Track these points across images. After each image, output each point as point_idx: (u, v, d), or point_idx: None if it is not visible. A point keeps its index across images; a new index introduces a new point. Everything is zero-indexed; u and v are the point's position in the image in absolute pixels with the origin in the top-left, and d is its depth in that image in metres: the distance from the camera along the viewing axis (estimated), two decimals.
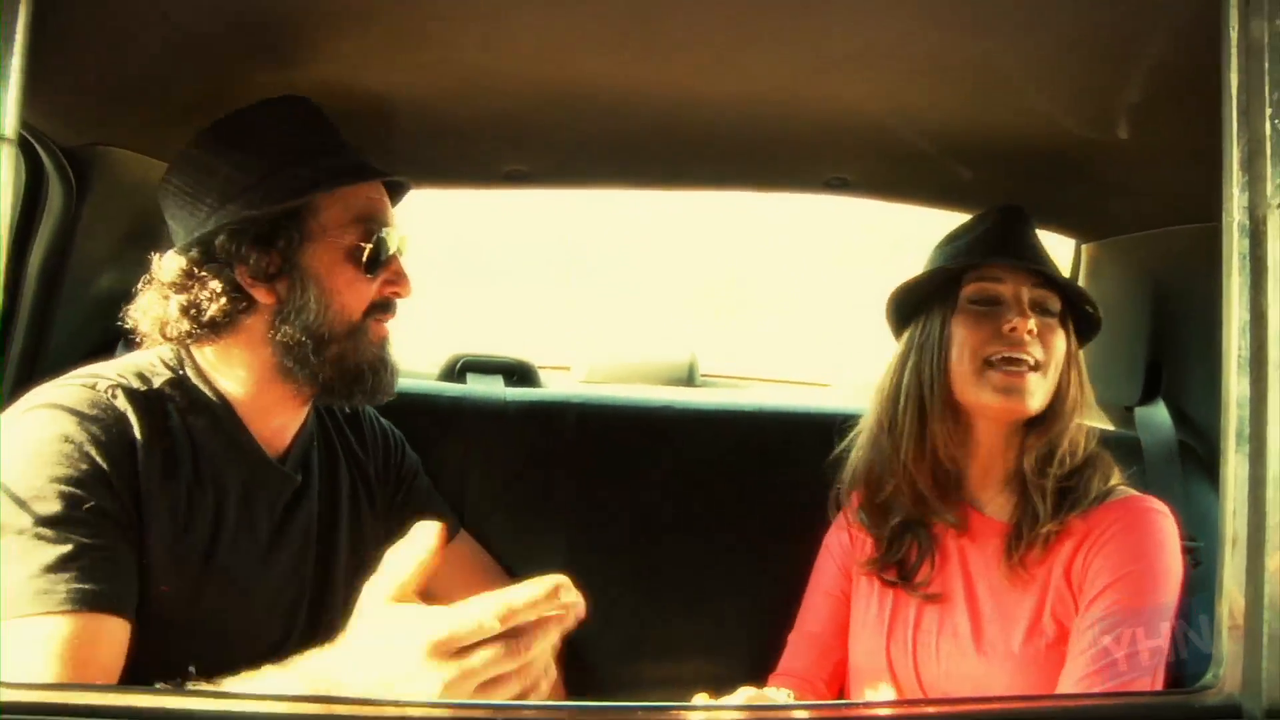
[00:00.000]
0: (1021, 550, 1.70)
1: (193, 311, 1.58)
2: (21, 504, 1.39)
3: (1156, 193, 2.13)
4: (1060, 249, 2.69)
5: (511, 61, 1.73)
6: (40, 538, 1.38)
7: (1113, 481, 1.76)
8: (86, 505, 1.43)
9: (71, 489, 1.42)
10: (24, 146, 1.86)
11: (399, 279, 1.66)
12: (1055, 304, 1.77)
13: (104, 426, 1.48)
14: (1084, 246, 2.58)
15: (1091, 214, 2.42)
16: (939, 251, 1.88)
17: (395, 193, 1.77)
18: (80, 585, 1.39)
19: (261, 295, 1.59)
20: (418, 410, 2.15)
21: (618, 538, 2.20)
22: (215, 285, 1.57)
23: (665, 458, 2.27)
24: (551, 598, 1.14)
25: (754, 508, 2.14)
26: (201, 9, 1.54)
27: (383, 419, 1.98)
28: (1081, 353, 1.84)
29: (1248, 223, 1.03)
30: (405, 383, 2.55)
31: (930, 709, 1.30)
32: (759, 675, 1.91)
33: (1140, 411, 2.33)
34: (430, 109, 1.96)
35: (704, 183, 2.55)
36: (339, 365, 1.62)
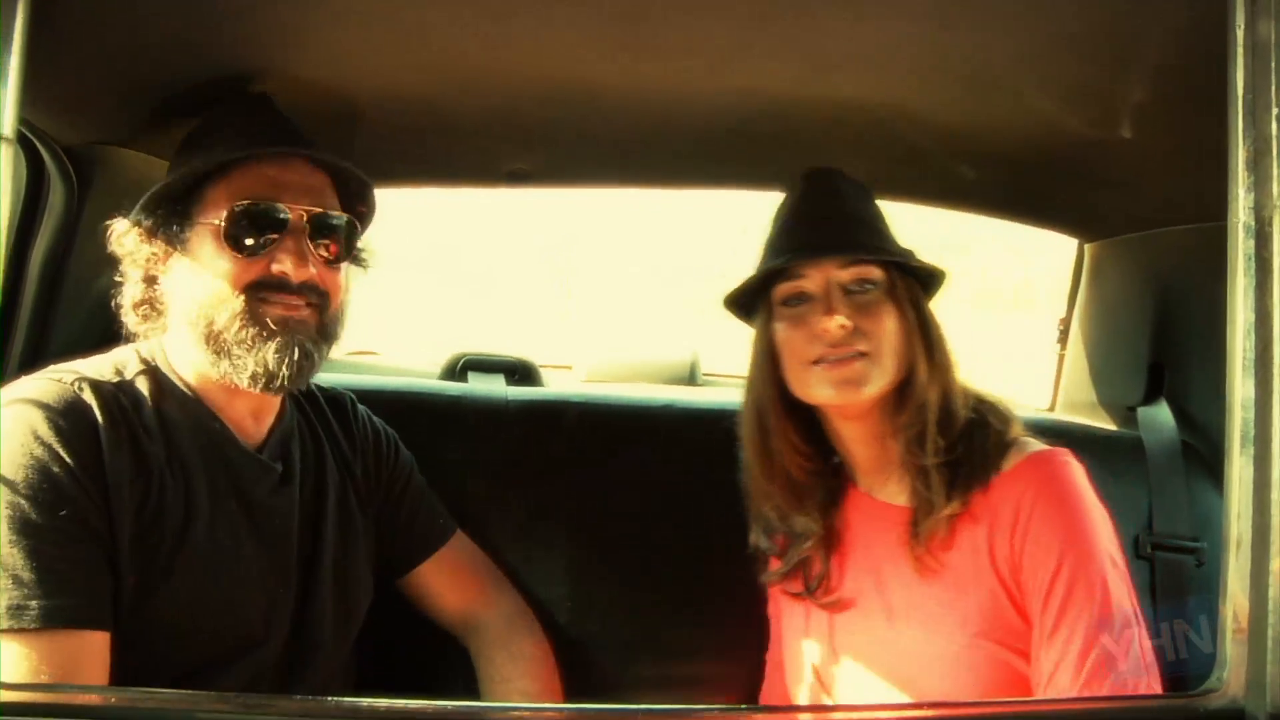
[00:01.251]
0: (924, 538, 1.61)
1: (133, 300, 1.64)
2: (8, 519, 1.39)
3: (1159, 192, 2.13)
4: (1063, 248, 2.69)
5: (513, 61, 1.73)
6: (14, 548, 1.38)
7: (1009, 437, 1.65)
8: (59, 512, 1.43)
9: (42, 497, 1.42)
10: (25, 145, 1.86)
11: (288, 258, 1.59)
12: (877, 274, 1.64)
13: (70, 421, 1.48)
14: (1087, 246, 2.58)
15: (1094, 214, 2.42)
16: (766, 237, 1.76)
17: (343, 180, 1.70)
18: (56, 601, 1.39)
19: (162, 283, 1.63)
20: (419, 409, 2.15)
21: (619, 537, 2.19)
22: (136, 273, 1.63)
23: (667, 457, 2.27)
24: None
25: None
26: (202, 7, 1.53)
27: (375, 418, 1.96)
28: (928, 307, 1.71)
29: (1253, 223, 1.03)
30: (407, 381, 2.56)
31: (934, 712, 1.30)
32: (759, 677, 1.91)
33: (1143, 412, 2.32)
34: (432, 108, 1.95)
35: (705, 181, 2.55)
36: (224, 345, 1.58)
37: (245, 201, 1.57)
